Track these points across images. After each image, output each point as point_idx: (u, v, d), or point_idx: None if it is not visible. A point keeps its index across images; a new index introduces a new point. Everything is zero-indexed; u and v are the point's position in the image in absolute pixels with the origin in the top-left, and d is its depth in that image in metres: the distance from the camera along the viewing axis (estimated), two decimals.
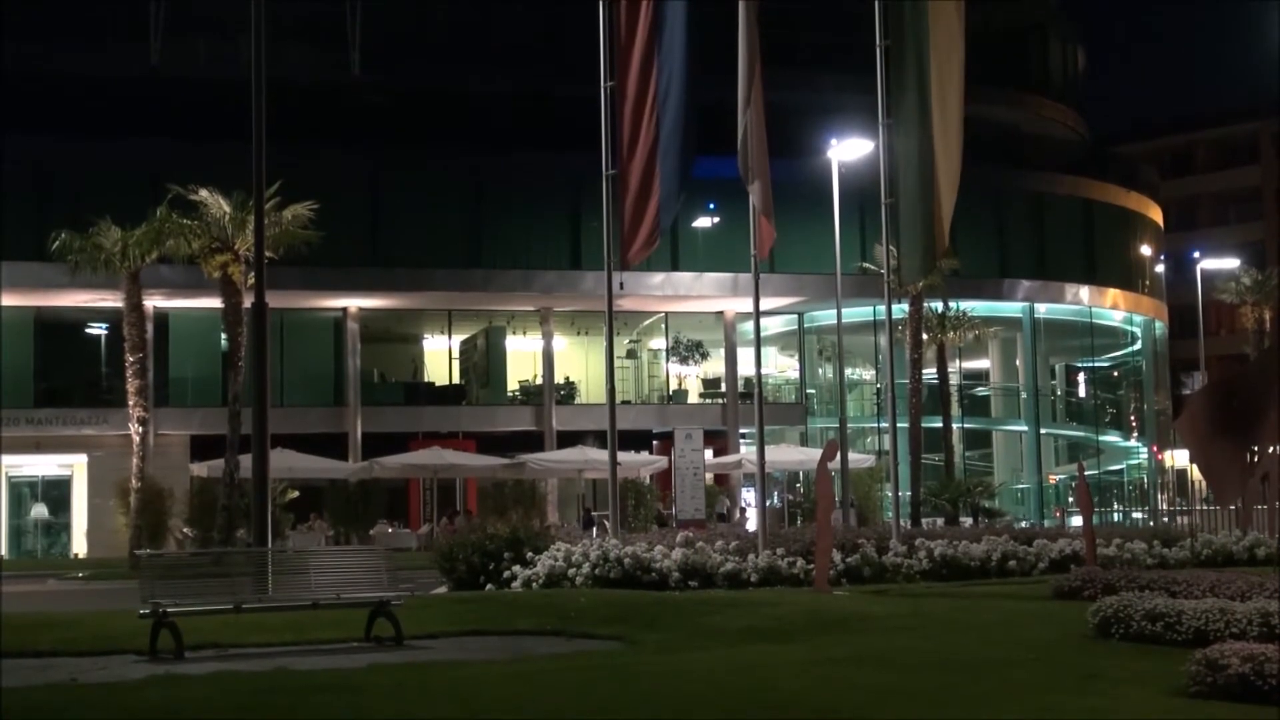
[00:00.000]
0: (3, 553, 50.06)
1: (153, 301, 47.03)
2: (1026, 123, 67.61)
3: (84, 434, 50.76)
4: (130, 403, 41.87)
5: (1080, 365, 71.97)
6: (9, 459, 51.29)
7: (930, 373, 53.18)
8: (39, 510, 52.14)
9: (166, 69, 53.58)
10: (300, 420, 50.24)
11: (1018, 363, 65.63)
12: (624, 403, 51.30)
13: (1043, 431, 65.34)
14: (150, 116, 52.22)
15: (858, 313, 55.05)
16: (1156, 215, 73.51)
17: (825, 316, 56.19)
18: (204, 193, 39.86)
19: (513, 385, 58.65)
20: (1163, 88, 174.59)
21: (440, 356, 58.94)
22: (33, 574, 39.18)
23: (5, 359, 51.47)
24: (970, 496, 49.31)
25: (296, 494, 45.83)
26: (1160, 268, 74.02)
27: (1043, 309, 64.10)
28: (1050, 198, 65.22)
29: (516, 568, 23.22)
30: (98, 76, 52.79)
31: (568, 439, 53.26)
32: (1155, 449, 71.96)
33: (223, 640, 16.06)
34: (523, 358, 58.65)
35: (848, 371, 53.39)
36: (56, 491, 52.45)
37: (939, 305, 52.77)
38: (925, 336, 50.64)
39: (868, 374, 64.52)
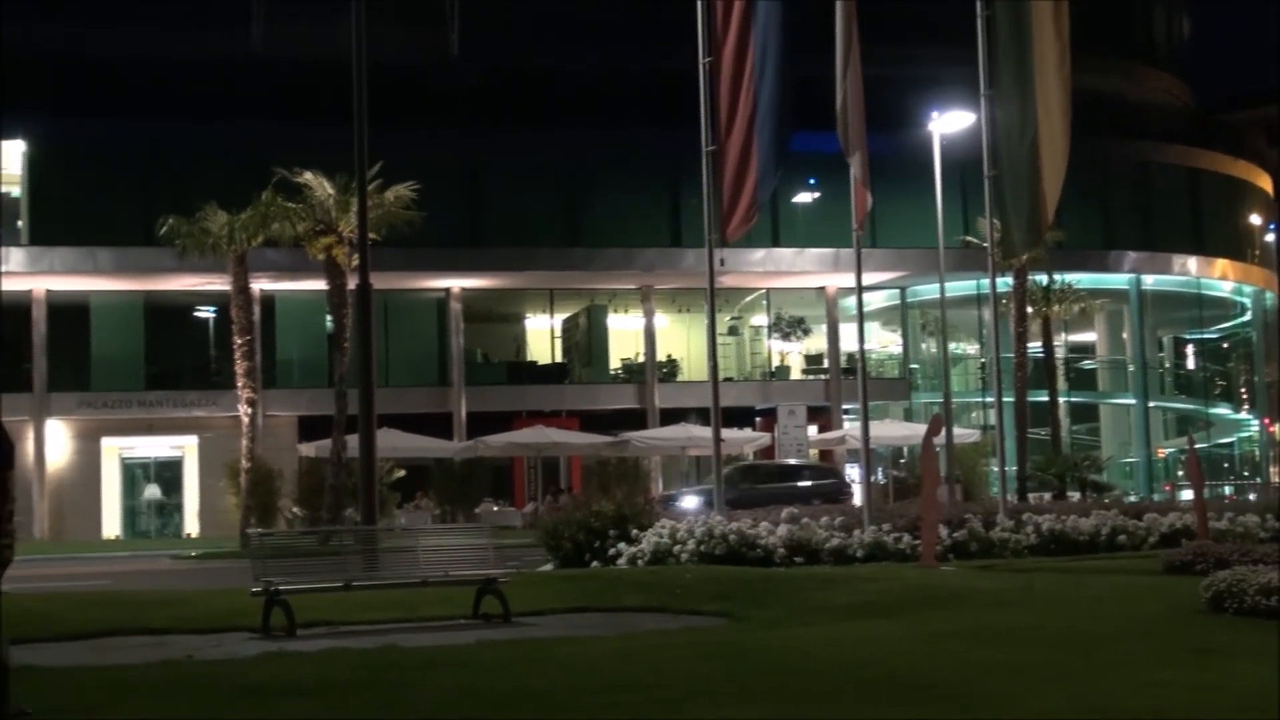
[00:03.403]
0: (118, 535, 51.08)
1: (259, 284, 47.59)
2: (1131, 91, 66.59)
3: (194, 416, 51.52)
4: (239, 384, 42.40)
5: (1189, 337, 70.92)
6: (122, 441, 52.24)
7: (1035, 346, 52.62)
8: (152, 491, 53.03)
9: (269, 53, 54.12)
10: (405, 400, 50.67)
11: (1125, 335, 64.80)
12: (726, 380, 51.31)
13: (1151, 405, 64.48)
14: (254, 101, 52.85)
15: (961, 286, 54.53)
16: (1265, 183, 72.19)
17: (928, 291, 55.81)
18: (308, 175, 40.26)
19: (615, 363, 58.76)
20: (1269, 54, 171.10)
21: (542, 335, 59.20)
22: (147, 553, 39.94)
23: (116, 343, 52.41)
24: (1078, 471, 48.74)
25: (403, 473, 46.24)
26: (1270, 237, 72.71)
27: (1150, 280, 63.21)
28: (1156, 167, 64.26)
29: (622, 545, 23.28)
30: (201, 62, 53.45)
31: (670, 416, 53.35)
32: (1267, 421, 70.79)
33: (333, 618, 16.28)
34: (624, 336, 58.73)
35: (951, 346, 52.93)
36: (169, 472, 53.31)
37: (1043, 278, 52.18)
38: (1030, 310, 50.11)
39: (972, 348, 63.96)
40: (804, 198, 57.61)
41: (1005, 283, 46.88)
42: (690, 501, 41.42)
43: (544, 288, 57.18)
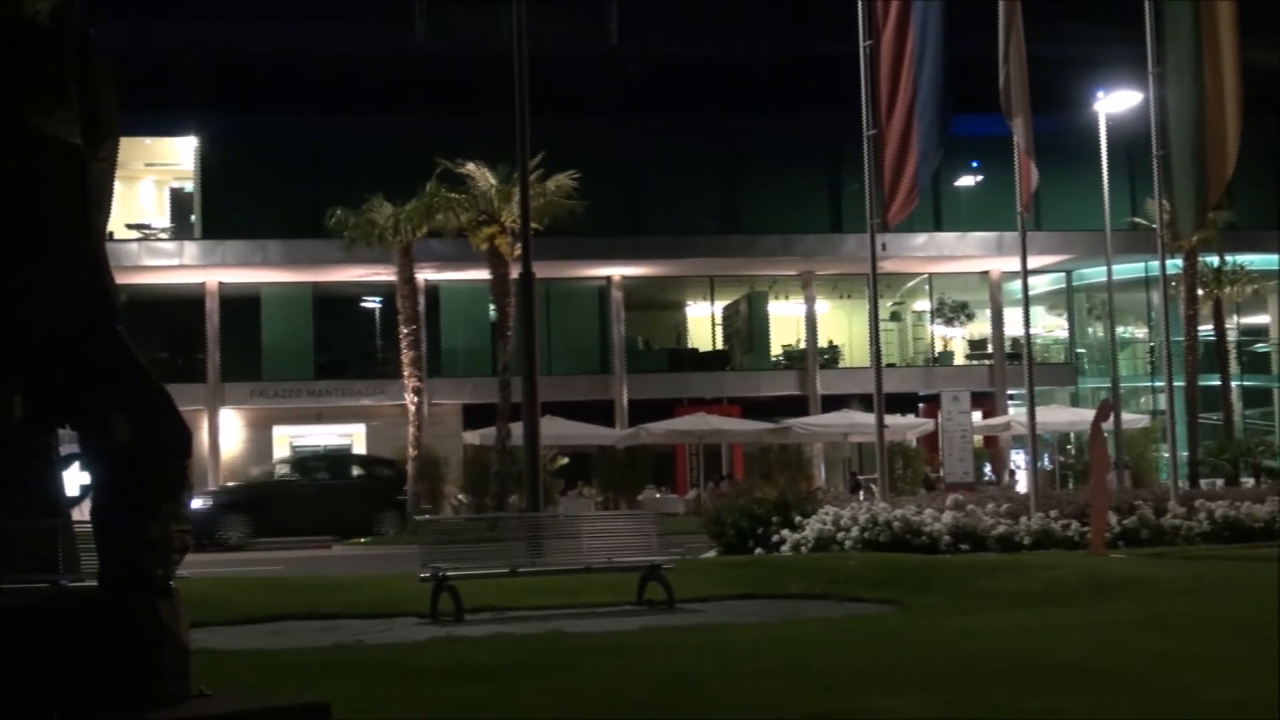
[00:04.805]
0: None
1: (424, 274, 48.14)
2: None
3: (362, 404, 52.29)
4: (405, 373, 43.08)
5: None
6: (293, 429, 53.25)
7: (1206, 329, 51.48)
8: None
9: (432, 47, 54.84)
10: (567, 388, 50.91)
11: None
12: (889, 365, 50.86)
13: None
14: (417, 93, 53.57)
15: (1128, 269, 53.39)
16: None
17: (1095, 274, 54.75)
18: (470, 166, 40.76)
19: (776, 350, 58.57)
20: None
21: (703, 323, 59.19)
22: (317, 539, 40.67)
23: (286, 334, 53.47)
24: (1251, 456, 47.62)
25: (566, 461, 46.56)
26: None
27: None
28: None
29: (785, 531, 23.25)
30: (366, 56, 54.35)
31: (832, 403, 53.03)
32: None
33: (499, 603, 16.47)
34: (785, 322, 58.51)
35: (1119, 330, 51.98)
36: None
37: (1214, 259, 51.02)
38: (1200, 292, 49.03)
39: (1140, 332, 62.71)
40: (966, 181, 56.94)
41: (1175, 265, 45.93)
42: (193, 503, 40.49)
43: (704, 275, 57.13)
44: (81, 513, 7.77)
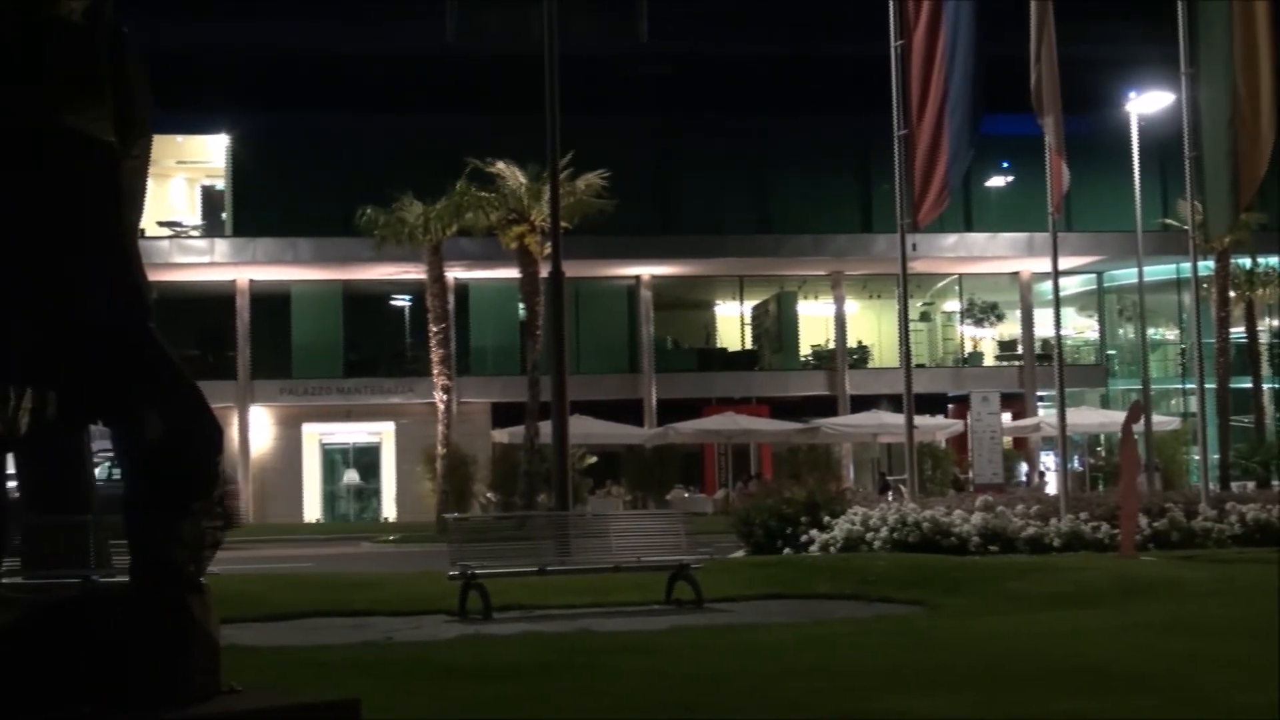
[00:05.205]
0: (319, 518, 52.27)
1: (453, 273, 48.24)
2: None
3: (391, 402, 52.44)
4: (434, 372, 43.15)
5: None
6: (322, 427, 53.42)
7: (1238, 331, 51.23)
8: (351, 476, 54.12)
9: (461, 46, 54.95)
10: (596, 387, 50.95)
11: None
12: (918, 366, 50.76)
13: None
14: (447, 92, 53.68)
15: (1160, 270, 53.18)
16: None
17: (1125, 275, 54.60)
18: (500, 165, 40.79)
19: (805, 350, 58.52)
20: None
21: (732, 322, 59.17)
22: (346, 537, 40.83)
23: (316, 332, 53.63)
24: None
25: (594, 460, 46.57)
26: None
27: None
28: None
29: (813, 532, 23.24)
30: (396, 55, 54.49)
31: (861, 403, 52.96)
32: None
33: (527, 602, 16.50)
34: (815, 322, 58.46)
35: (1150, 331, 51.77)
36: (367, 458, 54.36)
37: (1246, 261, 50.78)
38: (1232, 294, 48.80)
39: (1171, 334, 62.47)
40: (997, 181, 56.79)
41: (1207, 266, 45.71)
42: None
43: (734, 275, 57.12)
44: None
